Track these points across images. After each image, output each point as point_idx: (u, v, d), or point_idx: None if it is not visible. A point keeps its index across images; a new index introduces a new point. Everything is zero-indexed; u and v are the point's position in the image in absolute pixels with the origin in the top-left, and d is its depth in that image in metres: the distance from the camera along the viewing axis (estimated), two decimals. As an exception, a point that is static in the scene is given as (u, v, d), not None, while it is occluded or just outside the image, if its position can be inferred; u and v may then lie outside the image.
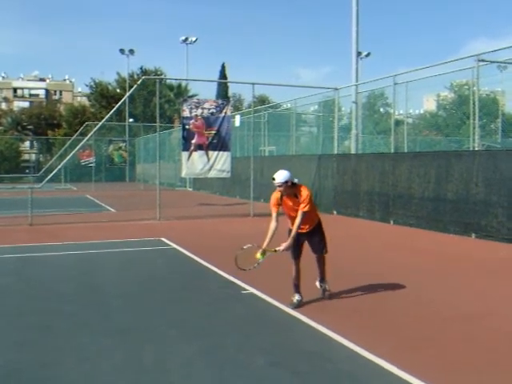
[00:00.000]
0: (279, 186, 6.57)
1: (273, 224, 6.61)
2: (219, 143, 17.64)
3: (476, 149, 13.50)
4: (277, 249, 6.52)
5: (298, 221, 6.57)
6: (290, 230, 6.81)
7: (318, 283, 7.09)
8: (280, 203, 6.73)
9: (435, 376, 4.51)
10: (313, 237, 6.86)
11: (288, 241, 6.55)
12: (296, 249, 6.73)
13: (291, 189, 6.62)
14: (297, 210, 6.61)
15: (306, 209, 6.58)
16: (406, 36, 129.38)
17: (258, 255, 6.45)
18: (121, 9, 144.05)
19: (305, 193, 6.63)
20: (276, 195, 6.73)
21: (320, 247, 6.89)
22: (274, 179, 6.59)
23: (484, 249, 11.37)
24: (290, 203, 6.67)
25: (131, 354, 5.06)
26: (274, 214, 6.66)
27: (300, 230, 6.69)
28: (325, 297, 7.03)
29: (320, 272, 7.04)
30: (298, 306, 6.59)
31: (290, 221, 6.85)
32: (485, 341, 5.46)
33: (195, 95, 48.33)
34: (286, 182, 6.54)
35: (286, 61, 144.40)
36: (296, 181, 6.69)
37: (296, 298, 6.70)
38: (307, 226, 6.78)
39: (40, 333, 5.71)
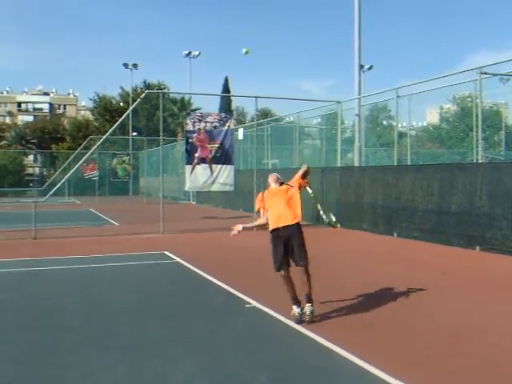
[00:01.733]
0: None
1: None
2: (222, 156, 17.68)
3: (479, 161, 13.48)
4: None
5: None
6: (273, 231, 6.65)
7: (305, 308, 6.49)
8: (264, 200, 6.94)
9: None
10: (294, 240, 6.51)
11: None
12: (279, 254, 6.48)
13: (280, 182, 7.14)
14: (284, 200, 6.73)
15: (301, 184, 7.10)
16: (409, 49, 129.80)
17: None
18: (124, 23, 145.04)
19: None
20: (260, 196, 7.11)
21: (302, 254, 6.47)
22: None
23: (489, 262, 11.30)
24: (276, 193, 6.91)
25: (133, 369, 5.02)
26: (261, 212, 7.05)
27: (283, 223, 6.55)
28: (307, 320, 6.40)
29: (307, 292, 6.53)
30: (300, 319, 6.45)
31: (271, 220, 6.70)
32: (487, 355, 5.40)
33: (198, 109, 48.53)
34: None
35: (288, 74, 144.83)
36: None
37: (296, 311, 6.48)
38: (291, 219, 6.56)
39: (42, 348, 5.68)
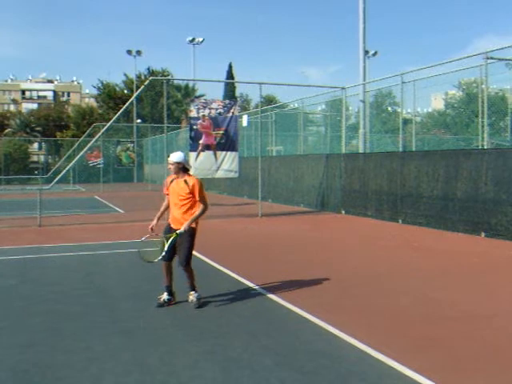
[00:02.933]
0: (171, 165, 6.65)
1: (165, 203, 6.96)
2: (227, 143, 17.62)
3: (485, 147, 13.42)
4: (178, 232, 6.62)
5: (198, 212, 6.70)
6: (168, 226, 6.80)
7: (189, 296, 6.80)
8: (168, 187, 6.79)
9: (444, 376, 4.47)
10: (182, 241, 6.67)
11: (187, 222, 6.62)
12: (171, 250, 6.66)
13: (183, 173, 6.69)
14: (183, 198, 6.62)
15: (204, 200, 6.69)
16: (414, 34, 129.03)
17: (165, 243, 6.63)
18: (127, 10, 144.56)
19: (193, 180, 6.66)
20: (169, 179, 6.82)
21: (183, 257, 6.65)
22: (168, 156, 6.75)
23: (494, 247, 11.28)
24: (178, 189, 6.69)
25: (138, 354, 5.05)
26: (166, 197, 6.94)
27: (175, 226, 6.70)
28: (193, 306, 6.67)
29: (189, 283, 6.83)
30: (162, 305, 6.68)
31: (172, 212, 6.78)
32: (493, 341, 5.40)
33: (202, 95, 48.37)
34: (179, 163, 6.62)
35: (293, 60, 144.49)
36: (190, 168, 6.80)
37: (164, 296, 6.77)
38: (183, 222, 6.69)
39: (47, 334, 5.71)
